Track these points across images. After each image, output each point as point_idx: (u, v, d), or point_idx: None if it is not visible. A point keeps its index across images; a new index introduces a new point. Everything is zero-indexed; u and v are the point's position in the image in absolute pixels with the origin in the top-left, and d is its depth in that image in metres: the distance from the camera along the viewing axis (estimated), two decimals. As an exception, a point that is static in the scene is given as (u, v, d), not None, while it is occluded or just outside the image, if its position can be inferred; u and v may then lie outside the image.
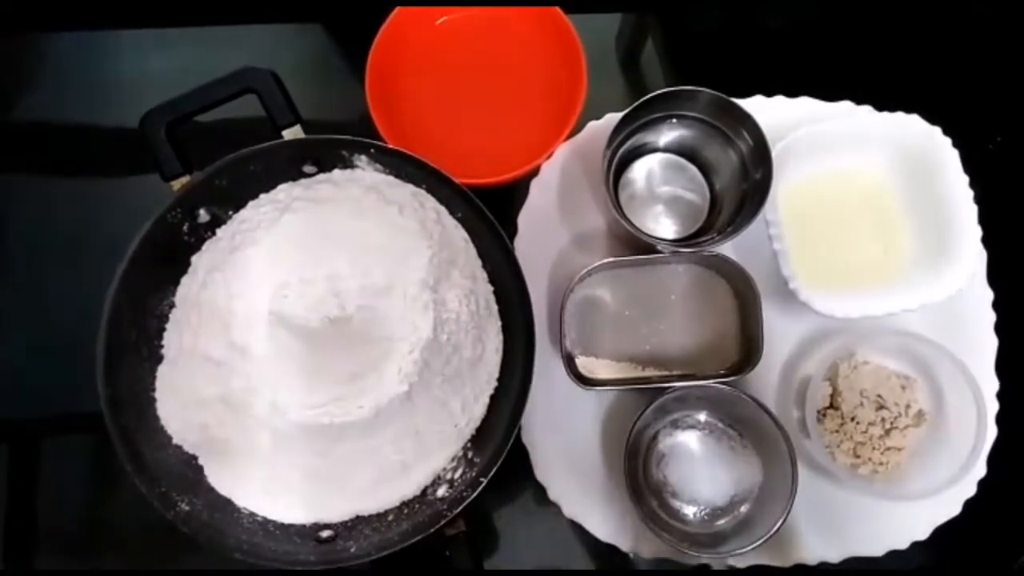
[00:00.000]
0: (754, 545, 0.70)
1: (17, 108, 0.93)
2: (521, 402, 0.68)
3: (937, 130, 0.77)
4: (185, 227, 0.70)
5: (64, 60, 0.94)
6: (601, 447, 0.79)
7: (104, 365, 0.65)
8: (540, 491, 0.77)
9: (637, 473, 0.77)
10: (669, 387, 0.75)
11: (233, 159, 0.69)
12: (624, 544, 0.76)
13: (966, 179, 0.76)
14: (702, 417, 0.79)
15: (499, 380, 0.72)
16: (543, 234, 0.82)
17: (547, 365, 0.79)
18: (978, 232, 0.75)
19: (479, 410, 0.71)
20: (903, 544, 0.75)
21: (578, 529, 0.76)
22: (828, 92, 0.84)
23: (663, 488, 0.78)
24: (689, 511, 0.77)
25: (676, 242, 0.81)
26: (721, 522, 0.77)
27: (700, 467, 0.78)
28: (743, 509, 0.76)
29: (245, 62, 0.70)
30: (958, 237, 0.75)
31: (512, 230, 0.81)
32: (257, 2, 0.93)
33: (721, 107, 0.77)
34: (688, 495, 0.77)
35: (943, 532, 0.75)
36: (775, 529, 0.70)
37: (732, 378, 0.76)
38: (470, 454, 0.71)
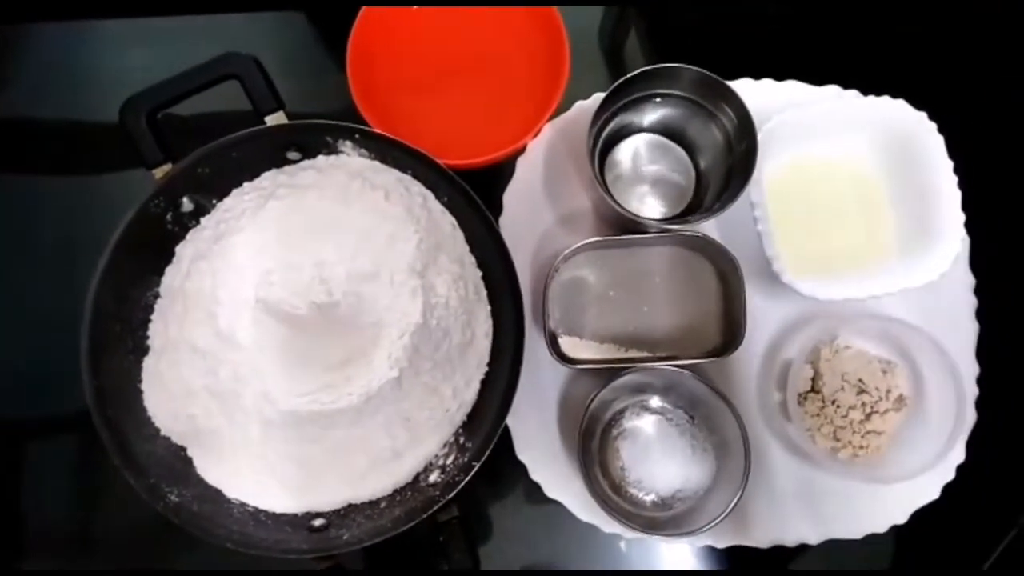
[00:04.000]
0: (702, 528, 0.71)
1: (-6, 102, 0.91)
2: (512, 387, 0.69)
3: (923, 115, 0.77)
4: (168, 216, 0.69)
5: (41, 53, 0.91)
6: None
7: (89, 358, 0.65)
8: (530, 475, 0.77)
9: (591, 452, 0.78)
10: (626, 368, 0.75)
11: (215, 146, 0.68)
12: (604, 525, 0.77)
13: (951, 164, 0.76)
14: (664, 403, 0.79)
15: (489, 365, 0.73)
16: (528, 213, 0.82)
17: (531, 345, 0.77)
18: (961, 217, 0.75)
19: (470, 395, 0.72)
20: (882, 528, 0.76)
21: (571, 514, 0.77)
22: (815, 76, 0.83)
23: (619, 468, 0.78)
24: (638, 493, 0.77)
25: (661, 220, 0.80)
26: (672, 510, 0.77)
27: (654, 452, 0.78)
28: (681, 507, 0.77)
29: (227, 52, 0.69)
30: (941, 222, 0.75)
31: (498, 209, 0.80)
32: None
33: (704, 84, 0.76)
34: (635, 475, 0.78)
35: (921, 516, 0.76)
36: (724, 514, 0.70)
37: (714, 359, 0.77)
38: (462, 439, 0.71)
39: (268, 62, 0.71)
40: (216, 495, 0.68)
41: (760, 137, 0.74)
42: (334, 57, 0.80)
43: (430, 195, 0.72)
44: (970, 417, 0.77)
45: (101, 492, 0.82)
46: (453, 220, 0.73)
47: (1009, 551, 0.80)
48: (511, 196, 0.81)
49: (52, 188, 0.88)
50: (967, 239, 0.80)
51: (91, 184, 0.89)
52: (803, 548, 0.77)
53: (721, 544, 0.77)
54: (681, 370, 0.74)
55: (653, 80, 0.77)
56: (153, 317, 0.70)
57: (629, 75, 0.74)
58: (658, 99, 0.80)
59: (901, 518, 0.76)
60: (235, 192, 0.71)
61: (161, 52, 0.88)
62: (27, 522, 0.82)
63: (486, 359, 0.73)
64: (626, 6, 0.94)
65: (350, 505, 0.69)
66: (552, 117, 0.81)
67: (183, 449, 0.69)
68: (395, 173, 0.72)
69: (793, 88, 0.83)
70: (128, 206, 0.66)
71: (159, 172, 0.68)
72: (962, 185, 0.76)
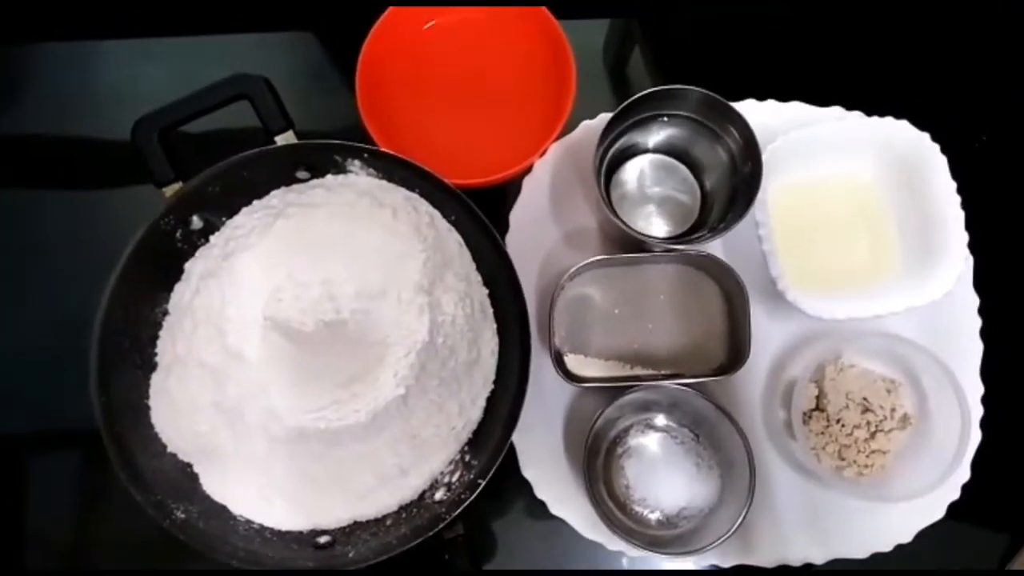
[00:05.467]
0: (706, 547, 0.70)
1: (7, 121, 0.91)
2: (518, 404, 0.69)
3: (926, 136, 0.78)
4: (178, 234, 0.69)
5: (55, 72, 0.92)
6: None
7: (98, 374, 0.65)
8: (535, 492, 0.77)
9: (596, 470, 0.78)
10: (631, 386, 0.75)
11: (226, 165, 0.68)
12: (609, 543, 0.77)
13: (954, 184, 0.76)
14: (669, 421, 0.80)
15: (495, 382, 0.73)
16: (535, 231, 0.83)
17: (536, 362, 0.77)
18: (964, 237, 0.76)
19: (476, 413, 0.72)
20: (887, 547, 0.76)
21: (575, 532, 0.77)
22: (819, 97, 0.84)
23: (624, 486, 0.78)
24: (643, 511, 0.77)
25: (666, 239, 0.81)
26: (678, 528, 0.77)
27: (659, 470, 0.78)
28: (687, 525, 0.77)
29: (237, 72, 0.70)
30: (945, 241, 0.76)
31: (504, 227, 0.81)
32: (248, 11, 0.91)
33: (710, 105, 0.77)
34: (640, 493, 0.77)
35: (926, 535, 0.76)
36: (729, 533, 0.70)
37: (719, 378, 0.77)
38: (467, 457, 0.71)
39: (278, 81, 0.72)
40: (222, 512, 0.68)
41: (764, 157, 0.74)
42: (344, 77, 0.81)
43: (437, 214, 0.73)
44: (975, 436, 0.76)
45: (108, 506, 0.82)
46: (460, 238, 0.73)
47: (1017, 571, 0.80)
48: (517, 215, 0.82)
49: (64, 205, 0.89)
50: (971, 259, 0.80)
51: (102, 201, 0.90)
52: (808, 567, 0.76)
53: (726, 563, 0.77)
54: (686, 388, 0.75)
55: (659, 101, 0.78)
56: (161, 334, 0.70)
57: (635, 96, 0.75)
58: (664, 119, 0.80)
59: (906, 537, 0.76)
60: (244, 210, 0.71)
61: (173, 71, 0.89)
62: (33, 535, 0.82)
63: (492, 377, 0.73)
64: (630, 24, 0.95)
65: (356, 522, 0.69)
66: (558, 137, 0.82)
67: (189, 465, 0.69)
68: (403, 192, 0.72)
69: (797, 109, 0.84)
70: (139, 223, 0.66)
71: (169, 190, 0.69)
72: (966, 205, 0.76)
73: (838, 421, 0.78)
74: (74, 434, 0.84)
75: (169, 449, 0.68)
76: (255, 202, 0.71)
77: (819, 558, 0.76)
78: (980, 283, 0.80)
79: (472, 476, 0.69)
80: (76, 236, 0.87)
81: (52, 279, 0.86)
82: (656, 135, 0.82)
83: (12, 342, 0.85)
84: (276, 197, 0.72)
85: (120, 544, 0.82)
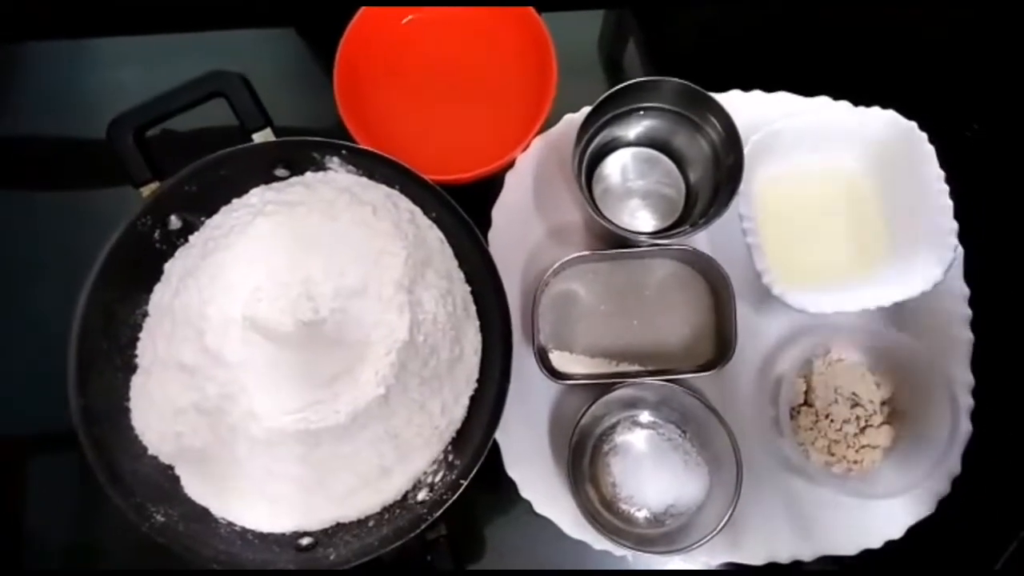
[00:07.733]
0: (694, 545, 0.70)
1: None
2: (499, 403, 0.69)
3: (914, 125, 0.76)
4: (156, 234, 0.69)
5: (33, 70, 0.92)
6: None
7: (76, 376, 0.65)
8: (519, 492, 0.77)
9: (582, 468, 0.77)
10: (617, 383, 0.74)
11: (203, 164, 0.68)
12: (595, 542, 0.76)
13: (942, 174, 0.75)
14: (656, 417, 0.79)
15: (478, 381, 0.72)
16: (518, 227, 0.82)
17: (520, 360, 0.76)
18: (954, 227, 0.74)
19: (459, 412, 0.71)
20: (877, 543, 0.75)
21: (560, 531, 0.76)
22: (806, 87, 0.83)
23: (610, 484, 0.77)
24: (630, 509, 0.77)
25: (650, 234, 0.80)
26: (665, 526, 0.76)
27: (646, 467, 0.77)
28: (674, 523, 0.76)
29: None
30: (934, 233, 0.75)
31: (487, 223, 0.80)
32: (228, 8, 0.91)
33: (688, 96, 0.76)
34: (627, 491, 0.77)
35: (917, 531, 0.75)
36: (717, 530, 0.70)
37: (706, 374, 0.76)
38: (450, 457, 0.71)
39: (259, 78, 0.71)
40: (203, 514, 0.68)
41: (750, 148, 0.74)
42: (324, 74, 0.80)
43: (418, 211, 0.72)
44: (965, 429, 0.75)
45: (97, 509, 0.81)
46: (441, 235, 0.73)
47: (1008, 565, 0.79)
48: (500, 210, 0.81)
49: (41, 205, 0.89)
50: (961, 249, 0.79)
51: (80, 201, 0.89)
52: (797, 564, 0.76)
53: (714, 561, 0.76)
54: (673, 384, 0.74)
55: (637, 94, 0.77)
56: (141, 335, 0.70)
57: (611, 90, 0.75)
58: (642, 112, 0.80)
59: (896, 533, 0.75)
60: (223, 209, 0.71)
61: (153, 69, 0.88)
62: (27, 536, 0.82)
63: (475, 375, 0.72)
64: (622, 16, 0.94)
65: (338, 524, 0.69)
66: (541, 131, 0.81)
67: (170, 467, 0.68)
68: (383, 189, 0.72)
69: (783, 99, 0.83)
70: (117, 222, 0.66)
71: (147, 190, 0.69)
72: (955, 195, 0.75)
73: (827, 416, 0.77)
74: (57, 437, 0.82)
75: (150, 451, 0.68)
76: (234, 201, 0.71)
77: (808, 555, 0.75)
78: (970, 273, 0.79)
79: (455, 476, 0.69)
80: (53, 237, 0.86)
81: (32, 280, 0.86)
82: (635, 128, 0.82)
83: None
84: (255, 195, 0.71)
85: (113, 544, 0.81)
